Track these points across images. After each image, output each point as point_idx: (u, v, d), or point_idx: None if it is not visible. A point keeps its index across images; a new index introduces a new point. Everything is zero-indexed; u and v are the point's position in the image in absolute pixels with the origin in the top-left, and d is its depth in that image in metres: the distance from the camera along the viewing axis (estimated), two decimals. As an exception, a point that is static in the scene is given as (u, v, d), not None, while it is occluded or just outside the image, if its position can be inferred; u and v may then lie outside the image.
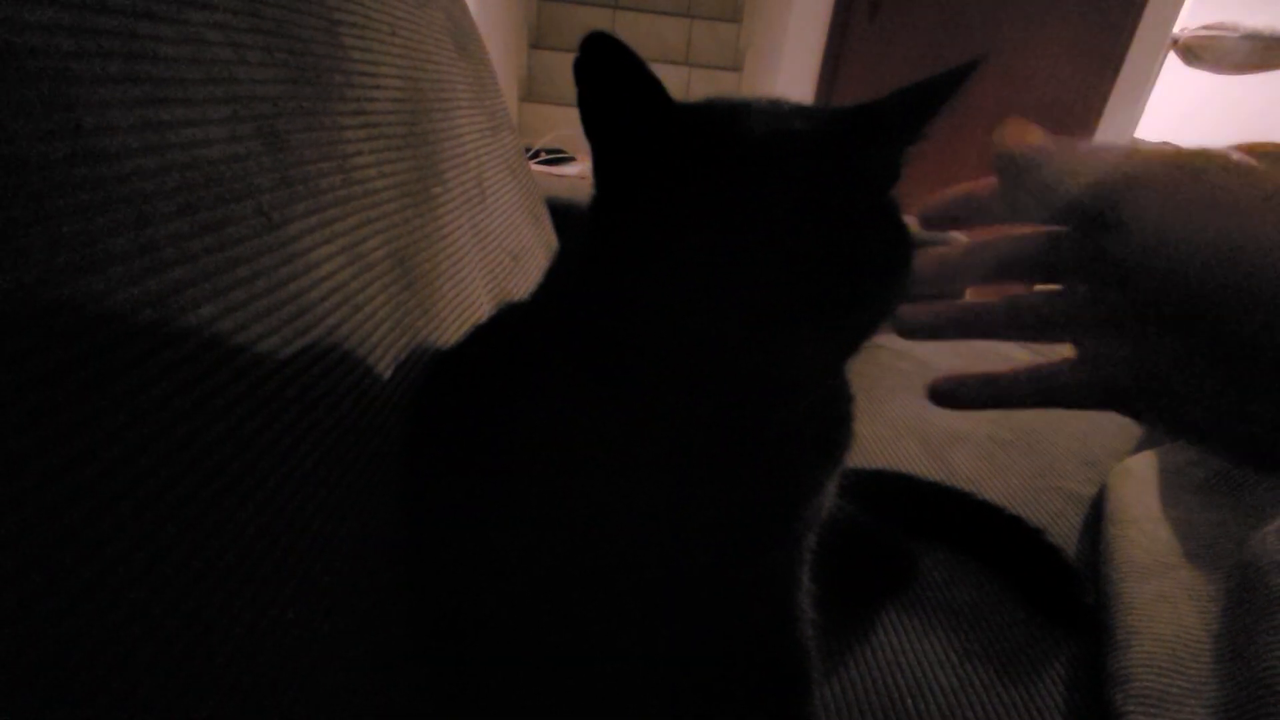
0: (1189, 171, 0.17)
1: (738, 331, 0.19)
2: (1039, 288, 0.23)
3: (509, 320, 0.33)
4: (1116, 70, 2.17)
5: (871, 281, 0.20)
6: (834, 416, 0.26)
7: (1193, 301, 0.17)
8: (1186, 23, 2.24)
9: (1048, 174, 0.20)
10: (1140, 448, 0.56)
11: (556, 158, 1.95)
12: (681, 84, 2.67)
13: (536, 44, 2.63)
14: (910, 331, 0.25)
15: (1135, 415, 0.21)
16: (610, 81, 0.19)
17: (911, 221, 0.23)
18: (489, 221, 0.53)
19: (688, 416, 0.23)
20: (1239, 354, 0.16)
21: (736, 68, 2.71)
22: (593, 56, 0.19)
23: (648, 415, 0.23)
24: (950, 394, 0.23)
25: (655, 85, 0.19)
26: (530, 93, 2.61)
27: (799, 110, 0.23)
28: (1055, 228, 0.22)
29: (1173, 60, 2.29)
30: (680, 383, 0.21)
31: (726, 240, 0.19)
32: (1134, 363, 0.19)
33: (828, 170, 0.20)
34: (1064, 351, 0.22)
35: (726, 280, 0.19)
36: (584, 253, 0.24)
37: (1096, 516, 0.49)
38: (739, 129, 0.21)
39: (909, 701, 0.35)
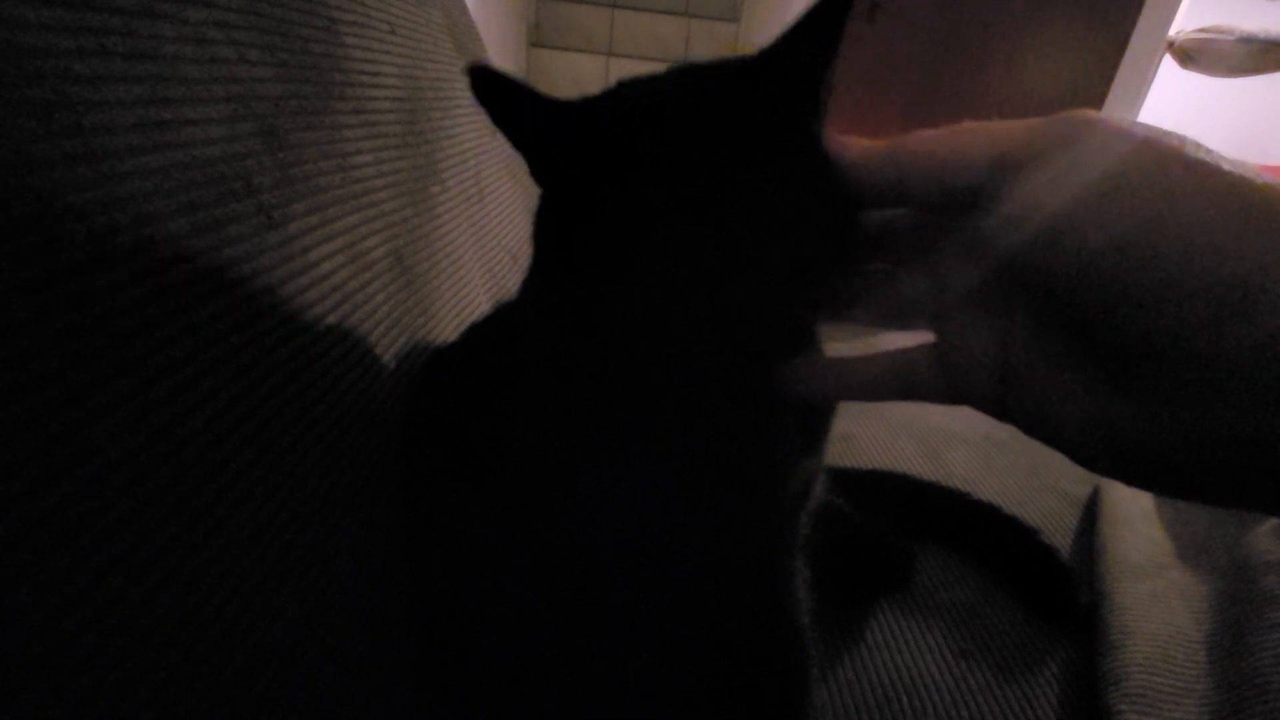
0: (1109, 155, 0.15)
1: (691, 300, 0.20)
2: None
3: (503, 318, 0.33)
4: (1113, 72, 2.18)
5: (812, 223, 0.20)
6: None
7: (1077, 292, 0.15)
8: (1182, 26, 2.25)
9: (923, 172, 0.18)
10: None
11: (554, 156, 1.94)
12: (680, 83, 2.67)
13: (536, 43, 2.63)
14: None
15: (995, 414, 0.18)
16: (501, 103, 0.21)
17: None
18: (487, 220, 0.53)
19: (665, 401, 0.23)
20: (1123, 352, 0.14)
21: (735, 67, 2.70)
22: (479, 86, 0.21)
23: (629, 403, 0.24)
24: (801, 379, 0.21)
25: (536, 99, 0.21)
26: (528, 91, 2.61)
27: (701, 71, 0.22)
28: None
29: (1169, 63, 2.30)
30: (648, 365, 0.22)
31: (663, 213, 0.20)
32: (998, 353, 0.17)
33: (740, 130, 0.20)
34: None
35: (671, 253, 0.19)
36: (537, 246, 0.25)
37: (1091, 517, 0.49)
38: (642, 108, 0.21)
39: (905, 700, 0.35)
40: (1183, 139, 0.15)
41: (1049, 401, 0.16)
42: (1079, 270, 0.15)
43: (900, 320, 0.21)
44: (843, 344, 0.22)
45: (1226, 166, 0.14)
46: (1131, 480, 0.16)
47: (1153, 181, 0.14)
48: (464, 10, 0.59)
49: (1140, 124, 0.16)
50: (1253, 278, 0.13)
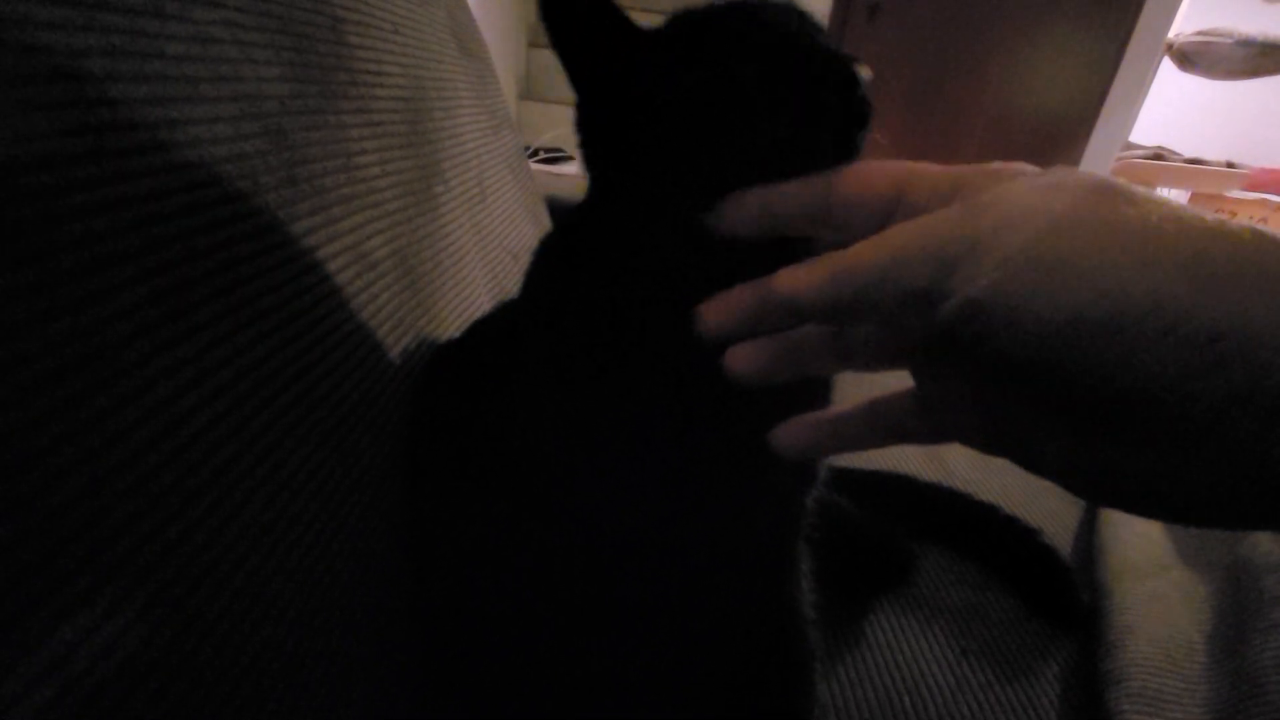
0: (1042, 230, 0.15)
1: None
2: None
3: (507, 315, 0.33)
4: (1111, 74, 2.19)
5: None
6: (815, 389, 0.27)
7: (1042, 364, 0.15)
8: (1181, 29, 2.26)
9: (874, 287, 0.17)
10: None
11: (555, 156, 1.95)
12: (679, 84, 2.67)
13: (535, 42, 2.63)
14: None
15: (984, 452, 0.18)
16: (578, 18, 0.23)
17: None
18: (490, 220, 0.53)
19: (670, 395, 0.24)
20: (1097, 410, 0.14)
21: (734, 68, 2.70)
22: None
23: (634, 399, 0.24)
24: (796, 444, 0.21)
25: (620, 14, 0.22)
26: (529, 91, 2.60)
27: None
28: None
29: (1167, 65, 2.31)
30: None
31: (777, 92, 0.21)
32: (975, 410, 0.17)
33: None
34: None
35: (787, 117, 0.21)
36: (596, 183, 0.25)
37: (1091, 517, 0.49)
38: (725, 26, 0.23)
39: (906, 700, 0.35)
40: (1107, 193, 0.15)
41: (1033, 448, 0.16)
42: (1041, 347, 0.14)
43: (871, 365, 0.21)
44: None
45: (1155, 218, 0.14)
46: (1125, 509, 0.16)
47: (1094, 251, 0.14)
48: (466, 10, 0.59)
49: (1069, 182, 0.16)
50: (1220, 329, 0.13)
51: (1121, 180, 0.16)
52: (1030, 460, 0.17)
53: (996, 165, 0.18)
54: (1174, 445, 0.14)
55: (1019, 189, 0.16)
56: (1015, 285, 0.15)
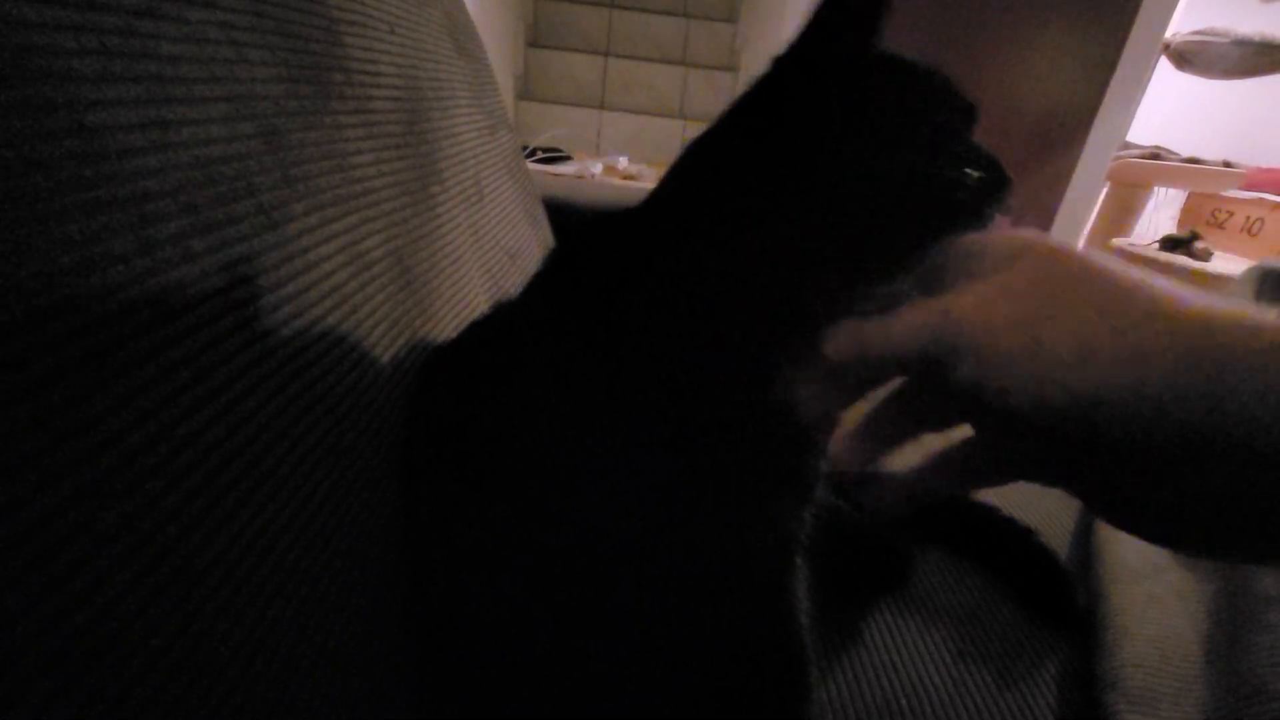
0: (1035, 306, 0.17)
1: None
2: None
3: (504, 317, 0.33)
4: (1109, 74, 2.19)
5: None
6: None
7: (1042, 423, 0.17)
8: (1178, 28, 2.26)
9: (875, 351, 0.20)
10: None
11: (553, 157, 1.95)
12: (678, 83, 2.67)
13: (533, 42, 2.63)
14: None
15: (1044, 484, 0.20)
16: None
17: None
18: (487, 221, 0.53)
19: (672, 400, 0.24)
20: (1109, 464, 0.16)
21: (733, 68, 2.71)
22: None
23: (634, 402, 0.24)
24: (883, 505, 0.24)
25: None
26: (527, 91, 2.61)
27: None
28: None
29: (1165, 65, 2.31)
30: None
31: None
32: (1008, 447, 0.20)
33: None
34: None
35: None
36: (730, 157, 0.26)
37: (1088, 519, 0.49)
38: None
39: (904, 702, 0.35)
40: (1069, 281, 0.17)
41: (1068, 480, 0.18)
42: (1030, 412, 0.17)
43: (940, 425, 0.23)
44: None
45: (1121, 303, 0.16)
46: (1140, 537, 0.18)
47: (1050, 340, 0.17)
48: (463, 9, 0.59)
49: (1053, 274, 0.18)
50: (1166, 380, 0.15)
51: (1097, 257, 0.18)
52: (1074, 490, 0.19)
53: (1021, 238, 0.20)
54: (1148, 477, 0.16)
55: (1001, 279, 0.19)
56: (993, 369, 0.17)
